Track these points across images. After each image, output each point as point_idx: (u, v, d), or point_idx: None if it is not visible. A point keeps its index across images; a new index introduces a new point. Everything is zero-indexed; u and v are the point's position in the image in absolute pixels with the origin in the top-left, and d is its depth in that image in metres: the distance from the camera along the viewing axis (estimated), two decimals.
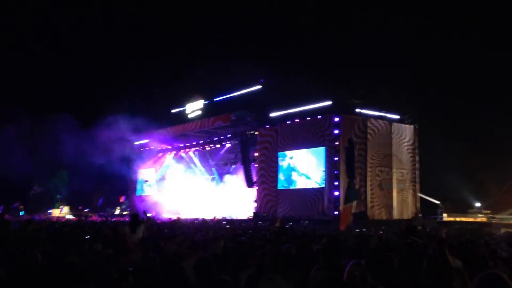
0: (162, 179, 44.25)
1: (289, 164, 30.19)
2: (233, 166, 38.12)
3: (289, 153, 30.10)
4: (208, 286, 4.23)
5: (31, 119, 34.24)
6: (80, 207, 44.11)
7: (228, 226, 18.94)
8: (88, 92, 44.28)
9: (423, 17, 39.31)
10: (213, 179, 39.96)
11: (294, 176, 29.72)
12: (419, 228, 15.49)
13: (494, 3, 35.18)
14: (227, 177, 38.67)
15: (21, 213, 38.66)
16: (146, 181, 44.82)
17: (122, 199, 45.74)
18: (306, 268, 5.59)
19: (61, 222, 21.09)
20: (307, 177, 28.96)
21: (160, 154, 44.02)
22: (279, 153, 30.62)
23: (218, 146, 37.78)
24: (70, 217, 36.64)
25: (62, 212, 42.44)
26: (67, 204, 44.66)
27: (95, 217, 34.94)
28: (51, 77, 46.98)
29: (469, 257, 6.65)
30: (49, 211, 42.61)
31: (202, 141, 38.37)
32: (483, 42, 35.69)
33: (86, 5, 56.19)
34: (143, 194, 45.06)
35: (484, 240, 10.88)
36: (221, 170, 39.62)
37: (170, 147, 42.24)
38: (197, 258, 4.79)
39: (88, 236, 9.73)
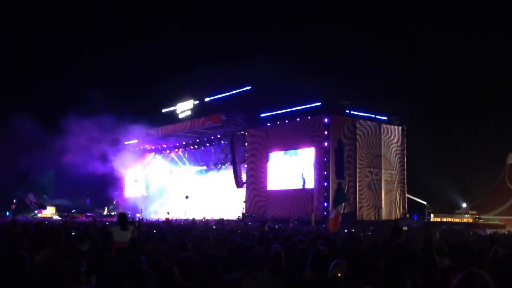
0: (151, 179, 43.95)
1: (279, 165, 30.26)
2: (223, 166, 38.10)
3: (278, 153, 30.16)
4: (195, 286, 4.23)
5: (15, 120, 33.79)
6: (66, 208, 43.44)
7: (216, 227, 18.91)
8: (80, 92, 43.73)
9: (411, 19, 39.67)
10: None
11: (284, 176, 29.78)
12: (404, 228, 15.66)
13: (487, 5, 35.54)
14: (217, 177, 38.64)
15: (7, 213, 38.03)
16: (136, 180, 44.48)
17: (114, 201, 45.18)
18: (294, 268, 5.63)
19: (48, 223, 20.77)
20: (297, 178, 29.03)
21: (150, 154, 43.75)
22: (269, 154, 30.67)
23: (208, 146, 37.69)
24: (57, 217, 36.03)
25: (45, 212, 41.57)
26: (53, 205, 43.84)
27: (82, 218, 34.53)
28: (34, 77, 46.51)
29: (457, 257, 6.72)
30: (35, 211, 41.91)
31: (192, 141, 38.23)
32: (472, 44, 36.15)
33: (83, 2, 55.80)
34: (131, 195, 44.71)
35: (470, 241, 11.02)
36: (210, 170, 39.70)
37: (160, 147, 42.01)
38: (182, 259, 4.77)
39: (73, 233, 9.67)
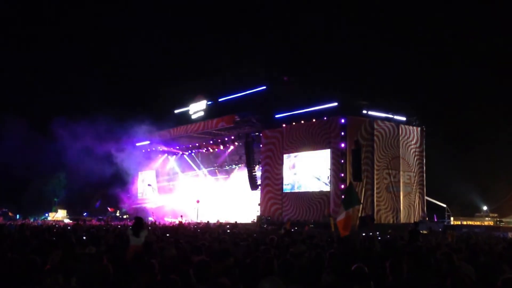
0: (163, 181, 43.92)
1: (294, 167, 29.88)
2: (237, 168, 37.77)
3: (294, 155, 29.77)
4: None
5: (27, 121, 34.04)
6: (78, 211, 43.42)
7: (231, 230, 18.63)
8: (91, 93, 44.04)
9: (431, 18, 38.95)
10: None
11: (300, 178, 29.38)
12: (424, 232, 15.21)
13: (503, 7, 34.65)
14: (230, 179, 38.37)
15: (18, 216, 38.19)
16: (150, 185, 44.39)
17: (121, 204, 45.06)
18: (313, 271, 5.45)
19: (58, 226, 20.73)
20: (313, 180, 28.60)
21: (162, 155, 43.66)
22: (285, 155, 30.30)
23: (222, 147, 37.47)
24: (68, 221, 35.97)
25: (58, 215, 41.57)
26: (64, 208, 43.67)
27: (93, 221, 34.53)
28: (47, 79, 47.03)
29: (478, 261, 6.48)
30: (46, 214, 41.92)
31: (205, 143, 38.00)
32: (492, 44, 35.26)
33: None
34: (144, 197, 44.69)
35: (492, 244, 10.66)
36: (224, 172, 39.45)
37: (172, 148, 41.87)
38: (196, 262, 4.69)
39: (84, 238, 9.59)
